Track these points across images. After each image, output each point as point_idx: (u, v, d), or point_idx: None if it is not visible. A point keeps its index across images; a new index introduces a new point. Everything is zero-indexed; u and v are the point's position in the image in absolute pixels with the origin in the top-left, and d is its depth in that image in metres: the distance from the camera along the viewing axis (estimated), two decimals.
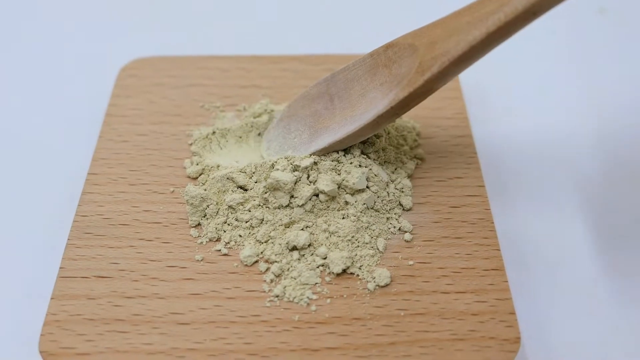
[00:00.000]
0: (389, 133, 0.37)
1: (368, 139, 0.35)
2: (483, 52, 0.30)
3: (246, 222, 0.33)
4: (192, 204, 0.34)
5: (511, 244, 0.36)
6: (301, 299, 0.31)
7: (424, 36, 0.32)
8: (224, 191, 0.34)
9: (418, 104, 0.32)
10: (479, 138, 0.41)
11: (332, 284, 0.32)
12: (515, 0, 0.28)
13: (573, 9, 0.51)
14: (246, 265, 0.32)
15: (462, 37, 0.30)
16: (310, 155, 0.34)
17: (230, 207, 0.34)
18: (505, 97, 0.44)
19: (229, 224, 0.34)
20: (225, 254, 0.33)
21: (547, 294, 0.34)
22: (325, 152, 0.34)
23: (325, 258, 0.32)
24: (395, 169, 0.36)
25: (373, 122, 0.33)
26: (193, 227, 0.34)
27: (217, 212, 0.34)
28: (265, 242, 0.33)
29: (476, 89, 0.44)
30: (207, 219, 0.34)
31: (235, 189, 0.34)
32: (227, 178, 0.34)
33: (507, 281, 0.32)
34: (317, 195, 0.33)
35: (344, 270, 0.32)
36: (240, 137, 0.38)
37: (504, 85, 0.45)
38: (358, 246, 0.32)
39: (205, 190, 0.34)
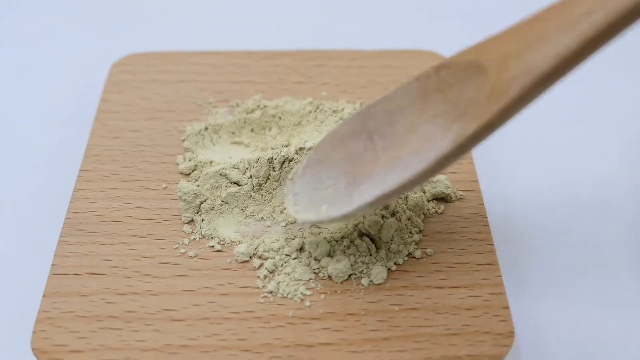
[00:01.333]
0: None
1: None
2: (575, 65, 0.23)
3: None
4: (185, 200, 0.34)
5: (505, 238, 0.36)
6: (295, 295, 0.31)
7: (491, 51, 0.25)
8: (217, 187, 0.34)
9: (489, 136, 0.26)
10: None
11: (325, 279, 0.31)
12: None
13: None
14: (240, 261, 0.32)
15: (548, 48, 0.23)
16: (355, 209, 0.27)
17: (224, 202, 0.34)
18: None
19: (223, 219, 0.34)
20: (218, 250, 0.33)
21: (540, 289, 0.34)
22: (373, 206, 0.28)
23: (319, 260, 0.32)
24: None
25: (434, 166, 0.25)
26: (186, 223, 0.34)
27: (213, 207, 0.34)
28: (258, 238, 0.33)
29: None
30: (200, 215, 0.34)
31: (229, 184, 0.34)
32: (220, 174, 0.34)
33: (500, 276, 0.32)
34: None
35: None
36: (233, 133, 0.38)
37: None
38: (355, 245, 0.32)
39: (198, 186, 0.34)
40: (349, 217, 0.28)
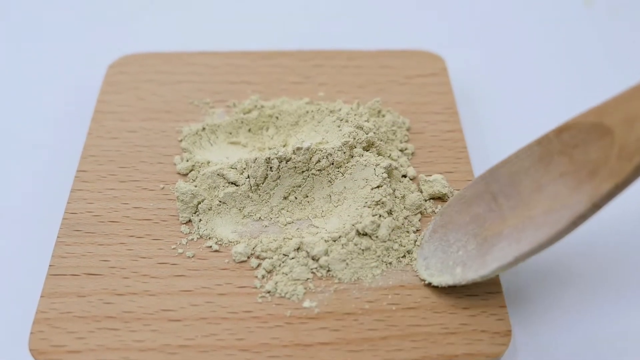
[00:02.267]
0: (379, 128, 0.37)
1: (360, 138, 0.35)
2: None
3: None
4: (182, 200, 0.34)
5: None
6: (293, 295, 0.31)
7: (614, 113, 0.27)
8: (215, 187, 0.34)
9: (620, 194, 0.27)
10: (469, 132, 0.41)
11: (323, 279, 0.32)
12: None
13: (558, 2, 0.51)
14: (237, 261, 0.32)
15: None
16: (493, 270, 0.29)
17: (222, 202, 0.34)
18: (495, 92, 0.44)
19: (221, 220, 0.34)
20: (216, 251, 0.33)
21: (537, 287, 0.34)
22: (509, 267, 0.29)
23: (317, 260, 0.32)
24: None
25: (570, 226, 0.27)
26: (184, 223, 0.34)
27: (210, 207, 0.34)
28: (256, 238, 0.33)
29: (466, 83, 0.44)
30: (198, 215, 0.34)
31: (226, 185, 0.34)
32: (218, 174, 0.34)
33: (497, 274, 0.32)
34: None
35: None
36: (231, 133, 0.38)
37: (494, 80, 0.45)
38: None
39: (195, 186, 0.34)
40: (486, 278, 0.30)
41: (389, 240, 0.32)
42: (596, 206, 0.27)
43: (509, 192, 0.30)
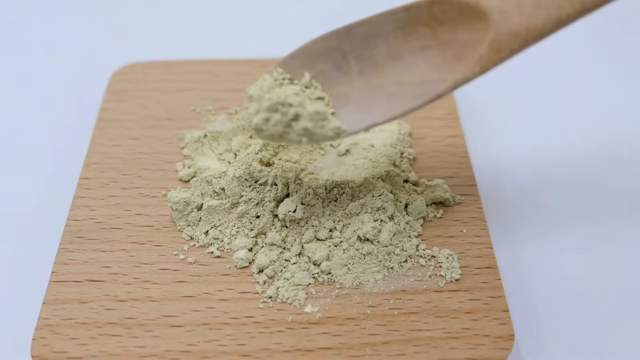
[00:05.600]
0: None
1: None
2: (565, 26, 0.27)
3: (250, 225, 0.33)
4: (176, 209, 0.34)
5: (504, 241, 0.36)
6: (294, 300, 0.31)
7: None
8: (205, 194, 0.34)
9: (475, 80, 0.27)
10: (471, 137, 0.41)
11: (325, 284, 0.32)
12: None
13: None
14: (239, 267, 0.32)
15: (551, 11, 0.26)
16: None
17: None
18: (497, 97, 0.44)
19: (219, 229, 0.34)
20: (217, 256, 0.33)
21: (540, 291, 0.34)
22: (359, 131, 0.28)
23: (318, 265, 0.32)
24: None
25: (427, 102, 0.27)
26: (183, 230, 0.34)
27: (200, 219, 0.34)
28: (255, 236, 0.33)
29: (467, 89, 0.44)
30: (191, 225, 0.34)
31: (214, 192, 0.34)
32: (207, 181, 0.34)
33: (500, 279, 0.32)
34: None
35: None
36: (232, 140, 0.38)
37: (495, 85, 0.45)
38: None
39: (192, 194, 0.34)
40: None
41: (390, 245, 0.32)
42: (455, 88, 0.27)
43: (362, 53, 0.28)
